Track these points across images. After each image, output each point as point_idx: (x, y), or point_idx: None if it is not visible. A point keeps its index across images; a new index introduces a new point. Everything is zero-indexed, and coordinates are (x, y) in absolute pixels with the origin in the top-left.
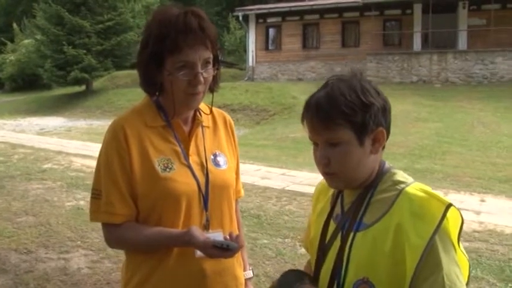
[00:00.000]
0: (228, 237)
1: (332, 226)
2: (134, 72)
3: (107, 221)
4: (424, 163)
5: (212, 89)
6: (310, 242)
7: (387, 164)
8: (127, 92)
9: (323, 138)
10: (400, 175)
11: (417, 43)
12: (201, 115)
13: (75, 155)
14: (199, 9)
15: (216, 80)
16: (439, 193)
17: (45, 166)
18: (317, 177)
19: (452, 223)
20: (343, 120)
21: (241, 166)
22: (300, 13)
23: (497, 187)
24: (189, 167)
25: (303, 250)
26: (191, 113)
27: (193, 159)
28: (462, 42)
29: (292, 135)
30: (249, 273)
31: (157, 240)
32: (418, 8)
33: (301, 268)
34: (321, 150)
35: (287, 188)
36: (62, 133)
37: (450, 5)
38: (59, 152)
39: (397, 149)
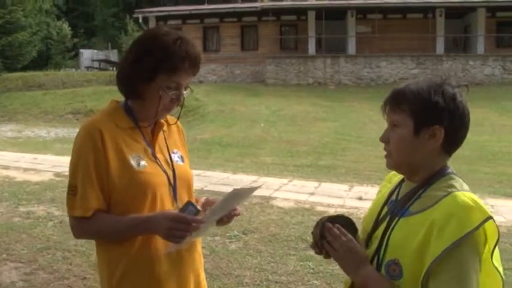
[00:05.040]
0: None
1: (385, 210)
2: (27, 75)
3: (81, 215)
4: (327, 159)
5: (182, 104)
6: (364, 217)
7: (450, 169)
8: (20, 96)
9: (390, 119)
10: (458, 182)
11: (312, 47)
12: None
13: None
14: (190, 38)
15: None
16: (487, 207)
17: None
18: (230, 177)
19: (489, 236)
20: (407, 107)
21: None
22: (200, 16)
23: None
24: (158, 162)
25: (233, 246)
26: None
27: (159, 156)
28: (351, 47)
29: (200, 137)
30: None
31: (128, 224)
32: (311, 15)
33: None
34: (386, 130)
35: (205, 188)
36: None
37: (340, 13)
38: None
39: (301, 147)
